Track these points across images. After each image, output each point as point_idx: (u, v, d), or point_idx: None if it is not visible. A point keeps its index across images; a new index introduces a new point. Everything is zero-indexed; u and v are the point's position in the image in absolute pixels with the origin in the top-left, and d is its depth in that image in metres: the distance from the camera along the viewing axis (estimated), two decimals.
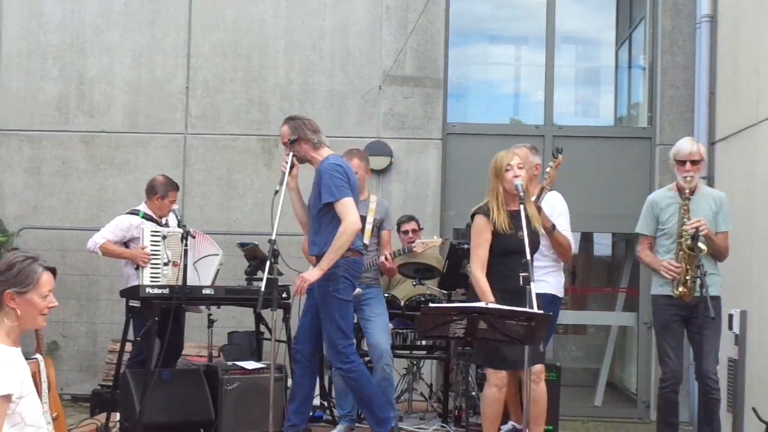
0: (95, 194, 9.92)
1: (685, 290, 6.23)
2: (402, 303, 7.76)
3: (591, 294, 11.45)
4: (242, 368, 6.98)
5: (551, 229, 6.45)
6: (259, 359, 7.34)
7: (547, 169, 6.62)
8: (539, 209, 6.18)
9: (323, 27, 9.92)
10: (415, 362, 8.13)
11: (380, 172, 9.61)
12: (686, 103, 9.51)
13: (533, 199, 6.34)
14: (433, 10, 9.78)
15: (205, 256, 7.55)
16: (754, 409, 6.56)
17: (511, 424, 6.60)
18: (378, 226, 7.17)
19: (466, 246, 7.48)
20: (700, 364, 6.21)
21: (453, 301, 7.42)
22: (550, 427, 6.63)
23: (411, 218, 8.45)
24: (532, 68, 10.65)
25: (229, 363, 7.26)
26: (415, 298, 7.77)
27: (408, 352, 7.88)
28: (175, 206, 7.52)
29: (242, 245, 7.71)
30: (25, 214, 9.92)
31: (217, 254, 7.65)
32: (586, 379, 10.59)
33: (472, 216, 6.01)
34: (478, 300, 5.63)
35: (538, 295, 5.37)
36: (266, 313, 6.66)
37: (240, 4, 9.97)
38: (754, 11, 8.23)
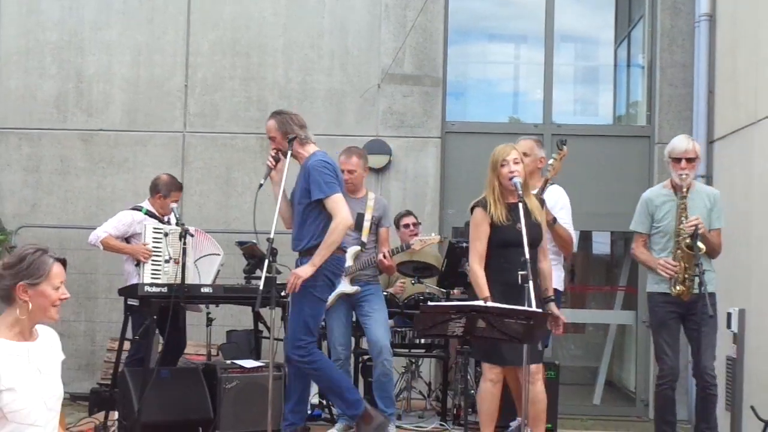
0: (94, 192, 9.92)
1: (684, 288, 6.23)
2: (401, 301, 7.76)
3: (590, 292, 11.45)
4: (241, 367, 6.97)
5: (552, 222, 6.45)
6: (257, 358, 7.33)
7: (551, 161, 6.61)
8: (542, 202, 6.15)
9: (322, 25, 9.92)
10: (413, 361, 8.13)
11: (379, 171, 9.61)
12: (685, 102, 9.52)
13: (535, 191, 6.35)
14: (432, 9, 9.79)
15: (206, 255, 7.55)
16: (752, 408, 6.57)
17: (518, 420, 6.59)
18: (376, 224, 7.17)
19: (464, 244, 7.48)
20: (698, 360, 6.22)
21: (452, 300, 7.41)
22: (549, 426, 6.63)
23: (409, 213, 8.47)
24: (531, 67, 10.66)
25: (228, 361, 7.25)
26: (414, 296, 7.77)
27: (407, 350, 7.87)
28: (173, 204, 7.52)
29: (241, 243, 7.71)
30: (24, 212, 9.92)
31: (219, 254, 7.66)
32: (585, 378, 10.60)
33: (472, 210, 6.02)
34: (478, 297, 5.64)
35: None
36: (265, 312, 6.66)
37: (239, 2, 9.98)
38: (753, 10, 8.23)
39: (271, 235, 5.89)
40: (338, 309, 7.11)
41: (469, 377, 7.32)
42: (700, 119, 9.23)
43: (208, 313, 8.13)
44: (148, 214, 7.71)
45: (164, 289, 6.83)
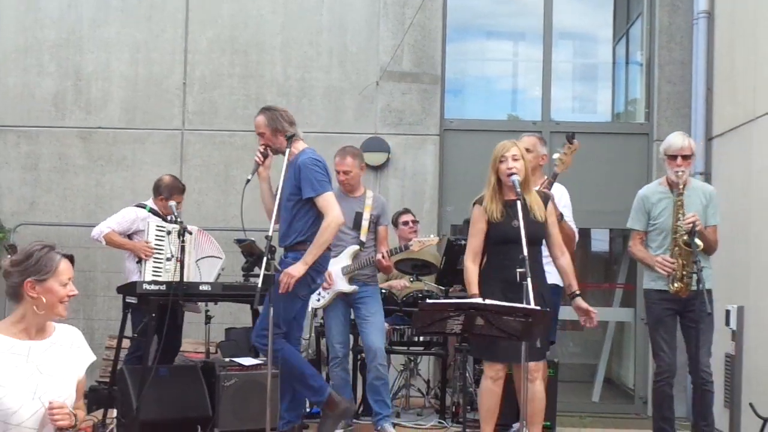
0: (92, 190, 9.91)
1: (682, 286, 6.24)
2: (399, 299, 7.76)
3: (588, 290, 11.42)
4: (239, 364, 6.97)
5: (560, 219, 6.44)
6: (256, 355, 7.33)
7: (557, 155, 6.57)
8: (546, 197, 6.08)
9: (320, 23, 9.92)
10: (412, 358, 8.14)
11: (377, 168, 9.61)
12: (683, 99, 9.51)
13: (539, 187, 6.35)
14: (430, 6, 9.78)
15: (208, 257, 7.58)
16: (751, 405, 6.56)
17: (518, 424, 6.60)
18: (375, 222, 7.17)
19: (463, 242, 7.48)
20: (694, 357, 6.22)
21: (450, 298, 7.42)
22: (548, 423, 6.64)
23: (407, 210, 8.47)
24: (529, 64, 10.65)
25: (227, 359, 7.25)
26: (413, 294, 7.77)
27: (405, 348, 7.88)
28: (172, 203, 7.52)
29: (239, 241, 7.71)
30: (22, 210, 9.92)
31: (220, 258, 7.69)
32: (584, 375, 10.59)
33: (473, 206, 6.04)
34: (485, 293, 5.66)
35: None
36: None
37: (237, 0, 9.97)
38: (751, 7, 8.23)
39: (270, 233, 5.88)
40: (336, 308, 7.12)
41: (467, 375, 7.34)
42: (698, 116, 9.22)
43: (206, 311, 8.13)
44: (152, 212, 7.74)
45: (163, 287, 6.84)
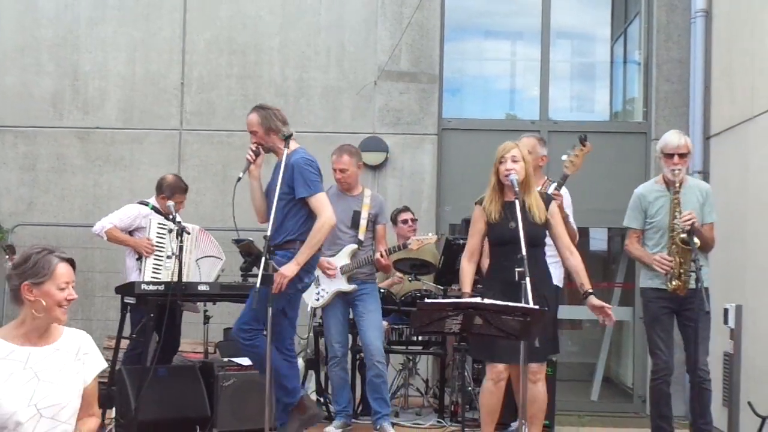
0: (90, 190, 9.92)
1: (680, 284, 6.24)
2: (398, 298, 7.77)
3: None
4: (238, 364, 6.98)
5: (566, 219, 6.45)
6: None
7: (568, 157, 6.56)
8: (547, 199, 6.07)
9: (318, 23, 9.92)
10: (411, 358, 8.14)
11: (376, 168, 9.61)
12: (681, 98, 9.51)
13: (552, 188, 6.38)
14: (428, 6, 9.78)
15: (208, 257, 7.59)
16: (749, 404, 6.57)
17: (516, 423, 6.60)
18: (373, 221, 7.17)
19: (461, 241, 7.49)
20: (692, 356, 6.22)
21: (449, 297, 7.41)
22: (547, 422, 6.63)
23: (406, 209, 8.45)
24: (527, 63, 10.65)
25: (225, 359, 7.26)
26: (411, 293, 7.77)
27: (404, 347, 7.89)
28: (170, 203, 7.53)
29: (237, 241, 7.71)
30: (20, 210, 9.91)
31: (221, 259, 7.70)
32: (583, 374, 10.60)
33: (475, 206, 6.05)
34: (485, 293, 5.66)
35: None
36: None
37: (235, 0, 9.97)
38: (749, 6, 8.23)
39: (269, 233, 5.88)
40: (335, 307, 7.13)
41: (466, 374, 7.34)
42: (696, 115, 9.22)
43: (205, 311, 8.13)
44: (154, 209, 7.75)
45: (161, 287, 6.84)
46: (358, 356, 7.72)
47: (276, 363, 6.29)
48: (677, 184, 6.31)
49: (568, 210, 6.73)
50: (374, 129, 9.75)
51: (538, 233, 5.79)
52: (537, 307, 5.03)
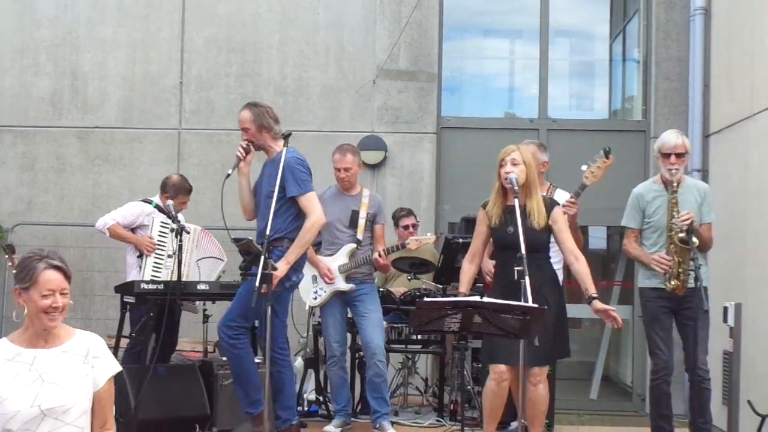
0: (89, 190, 9.91)
1: (678, 283, 6.24)
2: (397, 297, 7.77)
3: None
4: None
5: (575, 226, 6.50)
6: (254, 354, 7.33)
7: (589, 167, 6.57)
8: (550, 204, 6.04)
9: (317, 21, 9.91)
10: (410, 357, 8.14)
11: (374, 167, 9.60)
12: (680, 96, 9.51)
13: (571, 197, 6.48)
14: (426, 4, 9.78)
15: (209, 257, 7.60)
16: (749, 402, 6.57)
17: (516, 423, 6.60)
18: (371, 221, 7.17)
19: (460, 240, 7.51)
20: (692, 355, 6.22)
21: (448, 296, 7.41)
22: (546, 421, 6.63)
23: (410, 213, 8.41)
24: (526, 62, 10.65)
25: (224, 358, 7.25)
26: (410, 292, 7.77)
27: (403, 346, 7.89)
28: (169, 202, 7.53)
29: (236, 240, 7.69)
30: (19, 210, 9.91)
31: (222, 260, 7.70)
32: (582, 373, 10.58)
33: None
34: (491, 293, 5.68)
35: None
36: None
37: None
38: (748, 3, 8.22)
39: (267, 231, 5.89)
40: (333, 306, 7.12)
41: (465, 373, 7.33)
42: (695, 114, 9.21)
43: (204, 310, 8.13)
44: (158, 208, 7.76)
45: (161, 286, 6.84)
46: (357, 355, 7.72)
47: (251, 370, 6.32)
48: (675, 184, 6.31)
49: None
50: (373, 128, 9.75)
51: (537, 238, 5.76)
52: (536, 305, 5.03)
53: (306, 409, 7.63)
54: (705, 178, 8.76)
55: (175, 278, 6.80)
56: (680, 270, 6.23)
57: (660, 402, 6.46)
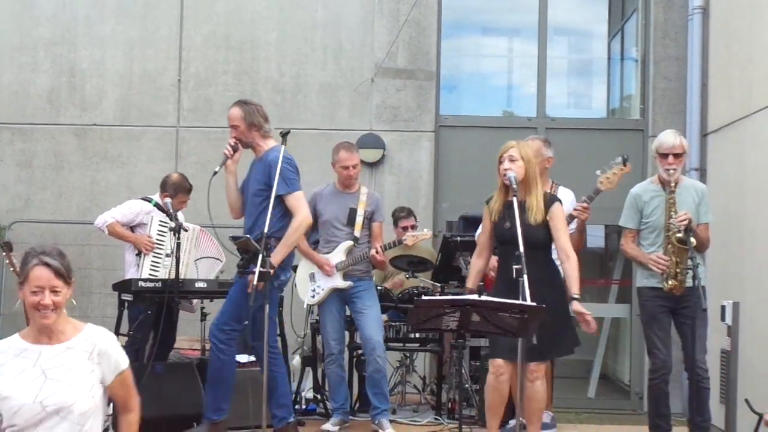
0: (87, 187, 9.91)
1: (676, 283, 6.24)
2: (395, 296, 7.77)
3: (584, 286, 11.40)
4: (237, 362, 6.96)
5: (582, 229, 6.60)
6: (251, 353, 7.34)
7: (604, 173, 6.59)
8: (550, 200, 6.02)
9: (315, 19, 9.91)
10: (408, 355, 8.14)
11: (373, 165, 9.61)
12: (678, 95, 9.52)
13: (584, 200, 6.57)
14: (425, 2, 9.78)
15: (208, 257, 7.60)
16: (746, 401, 6.57)
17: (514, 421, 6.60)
18: (369, 218, 7.16)
19: (458, 238, 7.51)
20: (690, 354, 6.22)
21: (446, 294, 7.41)
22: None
23: (410, 213, 8.39)
24: (524, 60, 10.65)
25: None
26: (408, 290, 7.77)
27: (401, 344, 7.88)
28: (167, 200, 7.53)
29: (234, 238, 7.70)
30: (17, 207, 9.90)
31: (221, 261, 7.69)
32: (580, 371, 10.59)
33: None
34: (494, 288, 5.70)
35: None
36: None
37: None
38: (746, 3, 8.23)
39: (266, 230, 5.89)
40: (331, 304, 7.12)
41: (463, 371, 7.33)
42: (693, 113, 9.22)
43: (202, 308, 8.12)
44: (157, 206, 7.75)
45: (158, 284, 6.84)
46: (354, 353, 7.72)
47: (227, 379, 6.35)
48: (672, 184, 6.31)
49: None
50: (371, 126, 9.75)
51: (534, 234, 5.73)
52: (534, 304, 5.03)
53: (304, 407, 7.63)
54: (703, 176, 8.77)
55: (172, 276, 6.81)
56: (678, 270, 6.23)
57: (659, 401, 6.46)
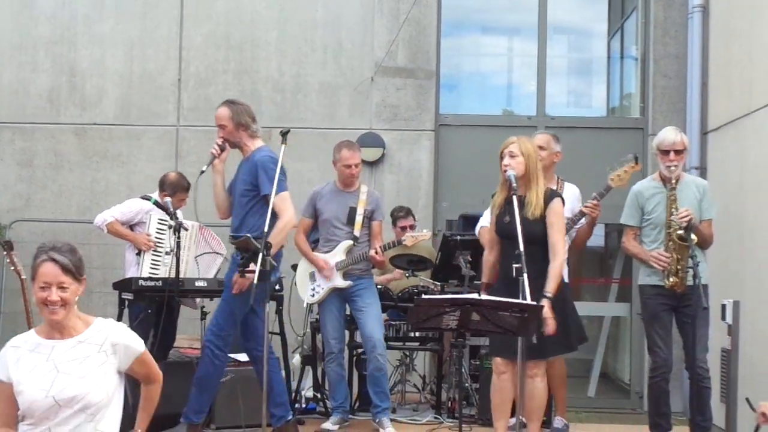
0: (87, 187, 9.91)
1: (677, 280, 6.25)
2: (395, 295, 7.77)
3: (584, 285, 11.44)
4: (235, 360, 6.97)
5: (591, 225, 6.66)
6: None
7: (613, 171, 6.61)
8: (550, 195, 5.95)
9: (315, 19, 9.90)
10: (408, 354, 8.14)
11: (373, 164, 9.60)
12: (678, 94, 9.51)
13: (594, 197, 6.58)
14: (425, 1, 9.78)
15: (208, 253, 7.60)
16: (747, 400, 6.55)
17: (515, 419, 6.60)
18: (369, 217, 7.16)
19: (458, 237, 7.51)
20: (691, 353, 6.22)
21: (446, 293, 7.42)
22: (544, 418, 6.63)
23: (409, 213, 8.40)
24: (524, 59, 10.65)
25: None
26: (408, 289, 7.78)
27: (401, 343, 7.89)
28: (167, 199, 7.53)
29: (234, 237, 7.70)
30: (18, 206, 9.90)
31: (221, 255, 7.69)
32: (580, 370, 10.58)
33: None
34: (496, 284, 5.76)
35: None
36: None
37: None
38: (746, 1, 8.23)
39: (265, 229, 5.89)
40: (331, 303, 7.12)
41: (463, 370, 7.33)
42: (693, 111, 9.22)
43: (202, 307, 8.11)
44: (157, 205, 7.75)
45: (159, 283, 6.83)
46: (354, 352, 7.73)
47: (213, 383, 6.39)
48: (674, 181, 6.31)
49: (568, 214, 6.68)
50: (371, 125, 9.75)
51: (533, 230, 5.71)
52: (533, 303, 5.03)
53: (304, 406, 7.63)
54: (703, 175, 8.76)
55: (173, 275, 6.81)
56: (679, 267, 6.24)
57: (659, 400, 6.46)
